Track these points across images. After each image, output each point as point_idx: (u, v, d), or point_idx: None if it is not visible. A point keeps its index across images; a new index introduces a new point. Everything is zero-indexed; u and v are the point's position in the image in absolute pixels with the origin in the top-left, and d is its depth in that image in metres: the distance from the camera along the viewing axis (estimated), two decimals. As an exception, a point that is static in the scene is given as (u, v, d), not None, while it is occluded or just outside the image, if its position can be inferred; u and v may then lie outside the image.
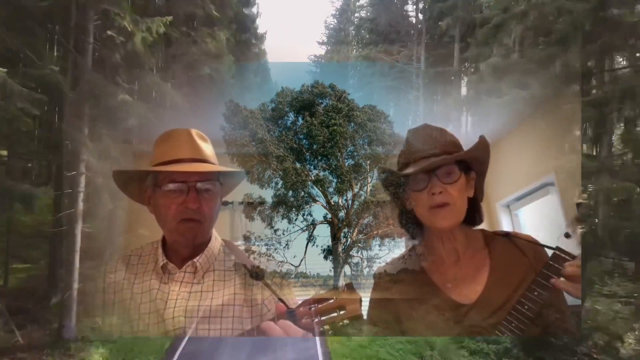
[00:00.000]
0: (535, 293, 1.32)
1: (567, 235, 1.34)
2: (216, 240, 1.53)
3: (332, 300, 1.11)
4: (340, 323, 1.10)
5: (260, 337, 1.16)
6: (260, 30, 11.21)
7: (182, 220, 1.38)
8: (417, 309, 1.46)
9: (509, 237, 1.48)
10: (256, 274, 1.35)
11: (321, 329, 1.10)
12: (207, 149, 1.47)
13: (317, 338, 5.89)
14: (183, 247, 1.45)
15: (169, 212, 1.38)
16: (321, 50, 13.69)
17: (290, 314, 1.11)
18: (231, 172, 1.54)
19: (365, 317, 1.46)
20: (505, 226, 5.62)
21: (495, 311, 1.37)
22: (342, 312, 1.10)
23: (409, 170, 1.40)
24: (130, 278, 1.49)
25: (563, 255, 1.32)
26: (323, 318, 1.10)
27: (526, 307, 1.32)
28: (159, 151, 1.44)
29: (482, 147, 1.45)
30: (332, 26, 13.82)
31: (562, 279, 1.28)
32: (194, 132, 1.48)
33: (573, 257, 1.30)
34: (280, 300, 1.21)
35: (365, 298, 1.24)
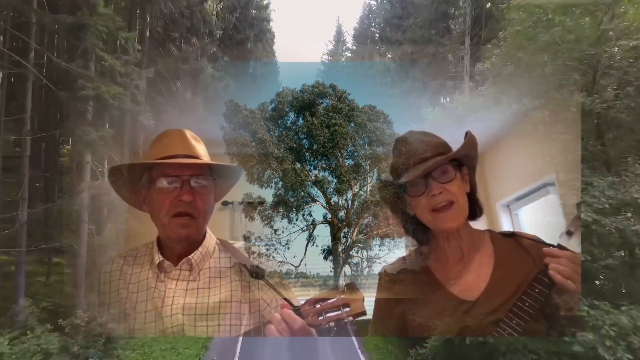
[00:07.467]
0: (537, 290, 1.32)
1: (568, 233, 1.36)
2: (210, 238, 1.53)
3: (336, 299, 1.13)
4: (345, 320, 1.12)
5: (264, 335, 1.16)
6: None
7: (175, 215, 1.38)
8: (421, 307, 1.47)
9: (515, 237, 1.49)
10: (256, 274, 1.36)
11: (326, 326, 1.11)
12: (200, 148, 1.49)
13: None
14: (177, 243, 1.44)
15: (163, 207, 1.38)
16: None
17: (296, 312, 1.13)
18: (226, 171, 1.55)
19: (370, 315, 1.47)
20: (505, 226, 5.63)
21: (497, 308, 1.38)
22: (346, 310, 1.13)
23: (406, 178, 1.41)
24: (126, 278, 1.50)
25: None
26: (328, 315, 1.12)
27: (527, 303, 1.33)
28: (154, 150, 1.45)
29: (471, 144, 1.46)
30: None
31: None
32: (187, 132, 1.50)
33: (573, 254, 1.32)
34: (285, 299, 1.22)
35: (367, 298, 1.25)
